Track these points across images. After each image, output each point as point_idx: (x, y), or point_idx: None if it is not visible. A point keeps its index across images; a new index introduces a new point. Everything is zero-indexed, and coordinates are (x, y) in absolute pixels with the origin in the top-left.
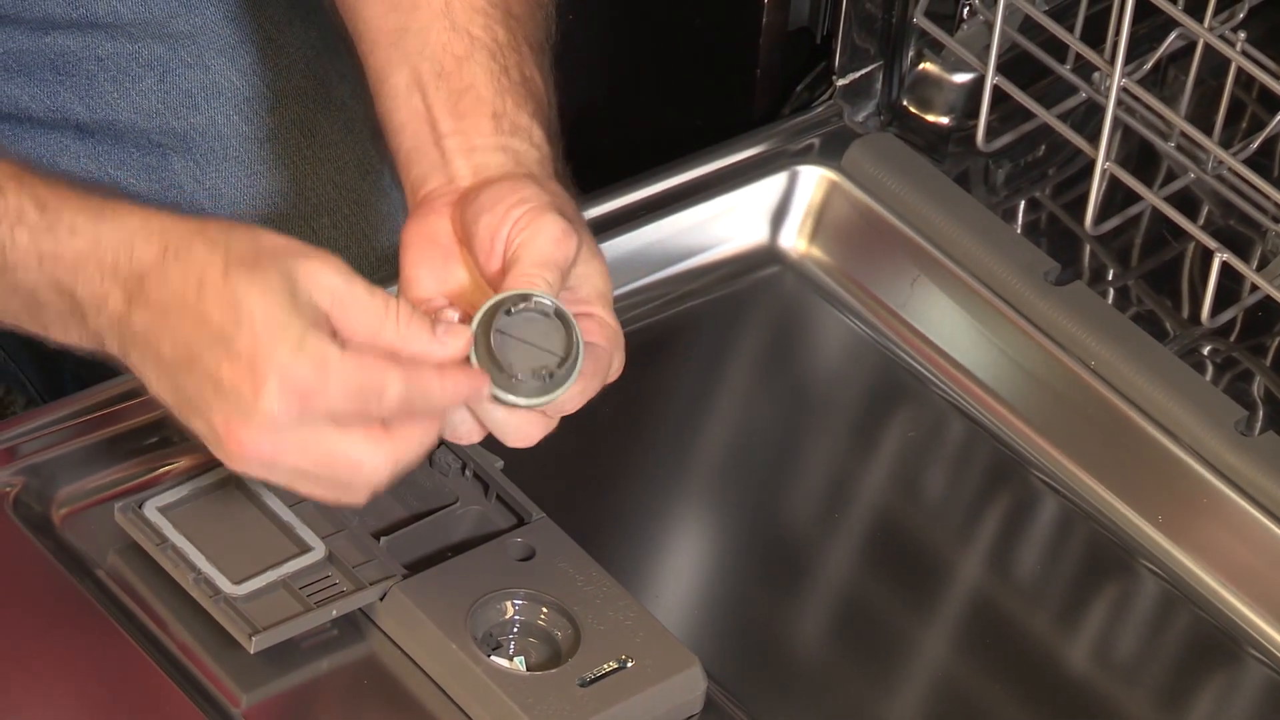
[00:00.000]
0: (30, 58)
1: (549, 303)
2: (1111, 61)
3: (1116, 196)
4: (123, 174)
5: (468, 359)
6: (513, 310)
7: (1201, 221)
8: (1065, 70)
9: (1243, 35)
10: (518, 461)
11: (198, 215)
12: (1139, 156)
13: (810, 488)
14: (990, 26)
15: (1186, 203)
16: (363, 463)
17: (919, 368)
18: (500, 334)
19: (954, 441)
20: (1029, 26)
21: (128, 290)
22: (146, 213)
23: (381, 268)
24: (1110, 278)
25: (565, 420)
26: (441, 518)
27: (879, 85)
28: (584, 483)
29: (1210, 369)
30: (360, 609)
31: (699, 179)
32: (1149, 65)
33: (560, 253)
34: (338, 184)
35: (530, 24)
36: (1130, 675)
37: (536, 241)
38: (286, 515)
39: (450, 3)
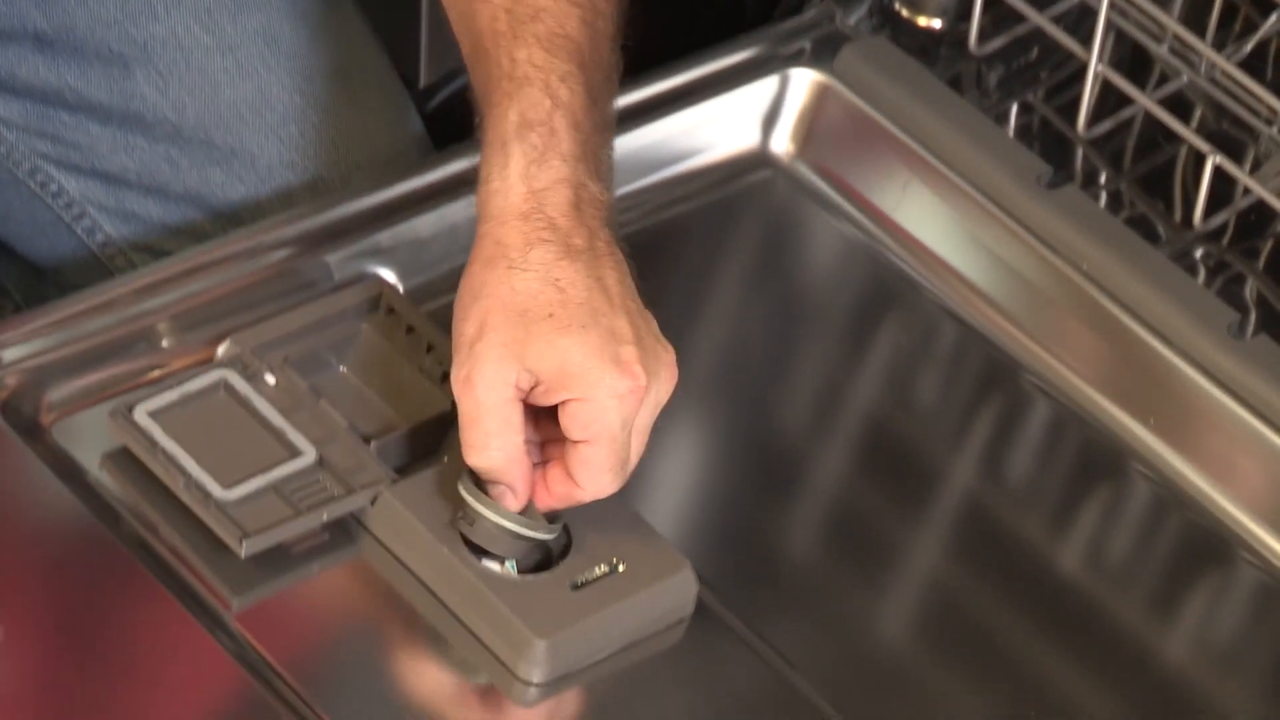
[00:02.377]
0: None
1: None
2: None
3: (1109, 100)
4: (83, 85)
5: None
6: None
7: (1194, 124)
8: None
9: None
10: None
11: None
12: (1132, 59)
13: (802, 393)
14: None
15: (1179, 106)
16: None
17: (911, 272)
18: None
19: (946, 345)
20: None
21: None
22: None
23: (353, 177)
24: (1103, 181)
25: None
26: (432, 423)
27: None
28: None
29: (1203, 272)
30: (351, 513)
31: (689, 83)
32: None
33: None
34: (305, 93)
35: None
36: (1121, 577)
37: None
38: (277, 420)
39: None
